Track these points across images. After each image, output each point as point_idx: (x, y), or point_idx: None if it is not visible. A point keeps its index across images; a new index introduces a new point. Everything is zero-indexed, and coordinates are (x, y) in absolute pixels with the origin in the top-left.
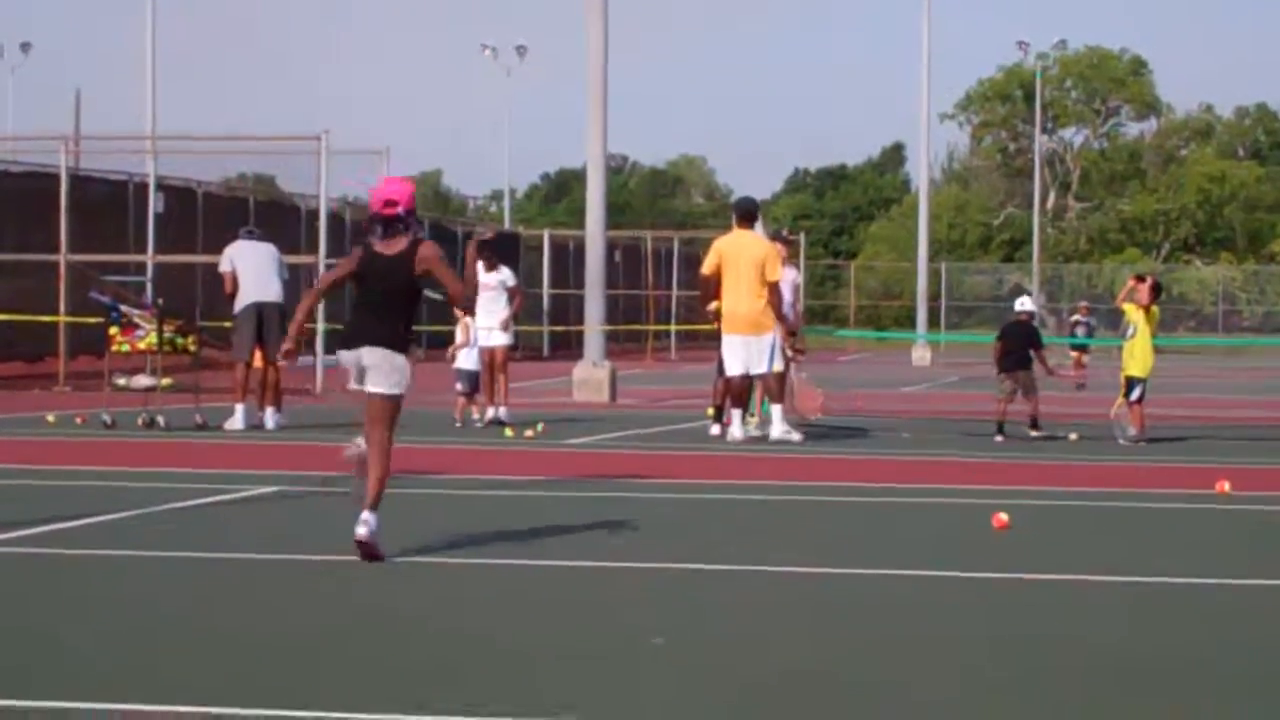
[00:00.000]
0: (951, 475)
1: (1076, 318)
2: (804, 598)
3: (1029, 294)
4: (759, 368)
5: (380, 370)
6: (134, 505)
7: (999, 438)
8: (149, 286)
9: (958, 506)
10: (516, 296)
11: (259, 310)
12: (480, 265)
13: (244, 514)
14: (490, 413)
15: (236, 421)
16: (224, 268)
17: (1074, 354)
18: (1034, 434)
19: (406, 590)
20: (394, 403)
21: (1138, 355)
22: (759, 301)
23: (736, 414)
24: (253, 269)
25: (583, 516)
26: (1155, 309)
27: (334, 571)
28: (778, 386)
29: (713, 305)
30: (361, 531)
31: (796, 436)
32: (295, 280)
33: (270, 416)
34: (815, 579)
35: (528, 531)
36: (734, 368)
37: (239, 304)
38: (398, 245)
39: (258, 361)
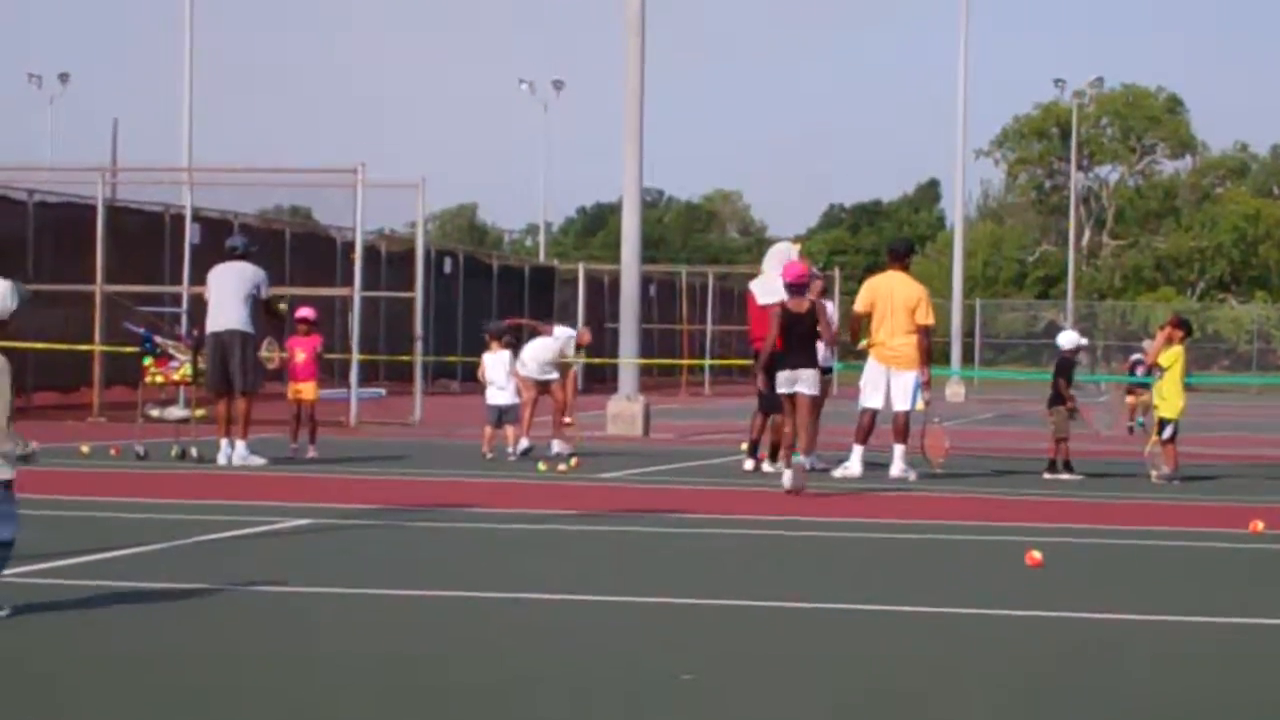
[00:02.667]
0: (984, 512)
1: (1136, 356)
2: (838, 635)
3: (1067, 329)
4: (902, 404)
5: (808, 382)
6: (165, 537)
7: (1064, 475)
8: (184, 318)
9: (991, 544)
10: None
11: (217, 340)
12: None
13: (276, 546)
14: (555, 447)
15: (219, 456)
16: (205, 294)
17: (1130, 398)
18: (1046, 475)
19: (440, 624)
20: (817, 399)
21: (1168, 396)
22: (907, 339)
23: (859, 450)
24: (216, 296)
25: (615, 551)
26: (1179, 346)
27: (370, 604)
28: (905, 425)
29: (863, 344)
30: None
31: (913, 476)
32: (329, 312)
33: (239, 450)
34: (848, 616)
35: (560, 566)
36: (870, 399)
37: (207, 332)
38: (804, 305)
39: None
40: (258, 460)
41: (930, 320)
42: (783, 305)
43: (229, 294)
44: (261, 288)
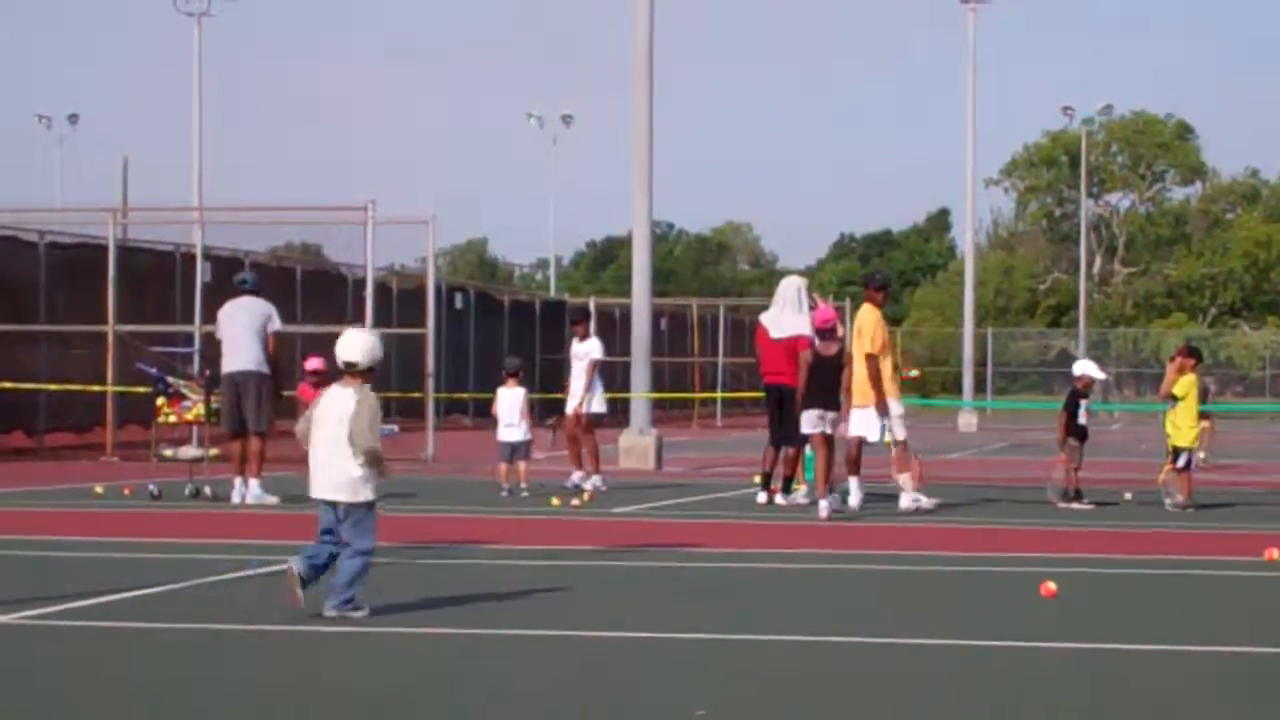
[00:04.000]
0: (998, 543)
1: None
2: (851, 668)
3: (1085, 358)
4: (872, 436)
5: (833, 421)
6: (180, 577)
7: (1083, 504)
8: (196, 357)
9: (1005, 575)
10: (590, 368)
11: (231, 381)
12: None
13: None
14: (575, 479)
15: (234, 495)
16: (216, 333)
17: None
18: (1060, 504)
19: (451, 660)
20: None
21: (1182, 426)
22: (860, 372)
23: (854, 481)
24: (230, 335)
25: (627, 586)
26: (1192, 375)
27: (382, 641)
28: (902, 455)
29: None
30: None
31: (927, 503)
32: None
33: (252, 489)
34: (861, 649)
35: (572, 601)
36: (853, 429)
37: (222, 373)
38: (831, 348)
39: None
40: (271, 499)
41: (866, 349)
42: (812, 348)
43: (242, 333)
44: (272, 321)
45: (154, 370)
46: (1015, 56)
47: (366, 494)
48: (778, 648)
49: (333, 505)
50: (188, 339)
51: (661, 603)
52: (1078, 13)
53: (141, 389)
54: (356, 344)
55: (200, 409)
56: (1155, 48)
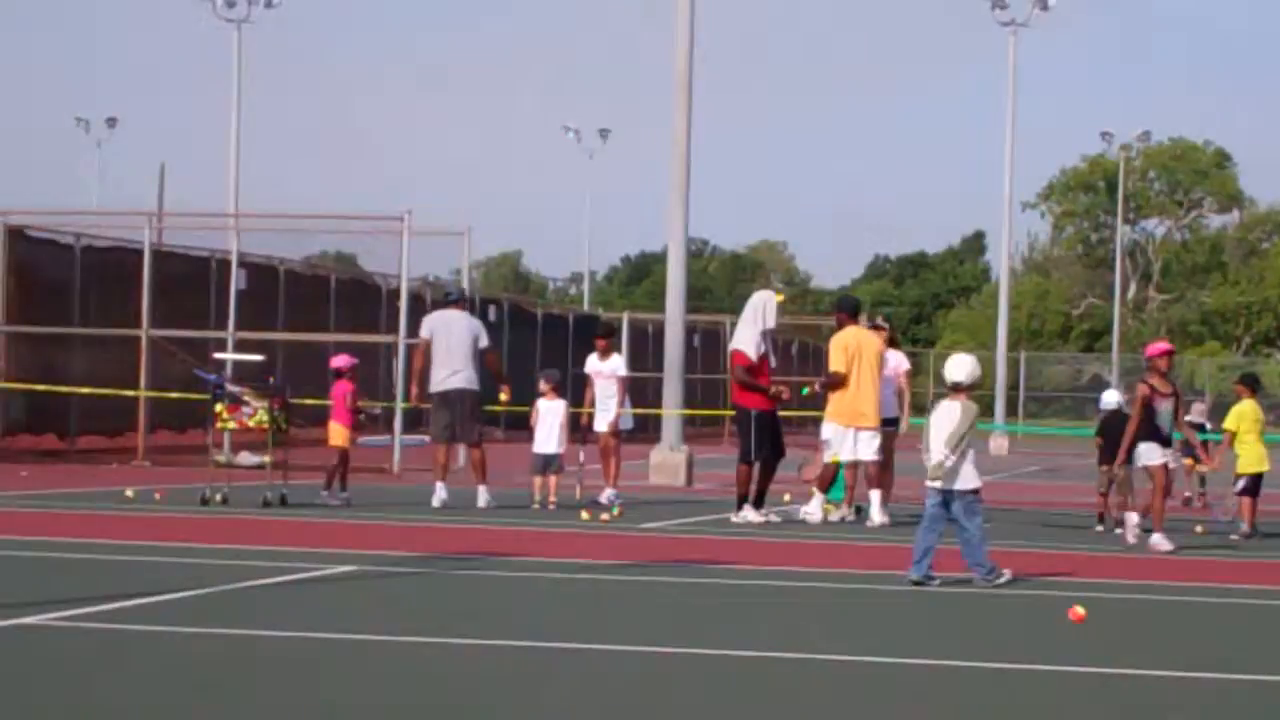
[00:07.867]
0: (1028, 566)
1: (1190, 418)
2: (877, 689)
3: (1112, 386)
4: (867, 454)
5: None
6: (213, 582)
7: (1099, 528)
8: (229, 365)
9: (1034, 599)
10: (619, 385)
11: (445, 398)
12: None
13: (321, 593)
14: (607, 495)
15: (435, 499)
16: (423, 334)
17: (1187, 460)
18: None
19: (479, 673)
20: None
21: (1242, 453)
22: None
23: (819, 498)
24: (445, 351)
25: (656, 601)
26: (1241, 407)
27: (406, 653)
28: (877, 473)
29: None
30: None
31: (884, 520)
32: (374, 359)
33: (481, 495)
34: (888, 670)
35: (598, 616)
36: (846, 453)
37: (431, 385)
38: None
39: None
40: (492, 502)
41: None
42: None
43: (461, 351)
44: (481, 339)
45: (211, 376)
46: (1054, 81)
47: (973, 483)
48: (806, 666)
49: (946, 496)
50: (220, 344)
51: (687, 618)
52: (1117, 39)
53: (174, 394)
54: (963, 368)
55: (263, 415)
56: (1195, 75)
